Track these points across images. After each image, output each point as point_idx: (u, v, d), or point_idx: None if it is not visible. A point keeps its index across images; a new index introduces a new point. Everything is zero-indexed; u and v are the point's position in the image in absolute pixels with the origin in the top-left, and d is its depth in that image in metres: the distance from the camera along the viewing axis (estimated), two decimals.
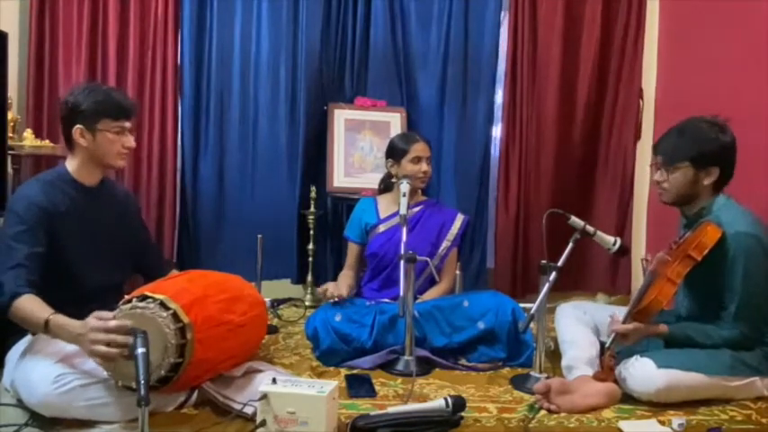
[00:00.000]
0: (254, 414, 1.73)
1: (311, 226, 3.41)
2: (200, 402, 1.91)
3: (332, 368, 2.35)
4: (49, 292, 1.85)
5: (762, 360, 2.08)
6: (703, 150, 2.11)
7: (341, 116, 3.49)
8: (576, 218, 2.34)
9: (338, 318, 2.45)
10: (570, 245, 2.27)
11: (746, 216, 2.11)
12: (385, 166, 2.86)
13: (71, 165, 2.06)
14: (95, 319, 1.68)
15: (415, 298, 2.49)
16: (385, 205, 2.85)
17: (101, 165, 2.08)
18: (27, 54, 3.20)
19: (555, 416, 1.96)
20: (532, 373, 2.25)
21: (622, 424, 1.89)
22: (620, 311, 2.21)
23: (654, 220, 3.53)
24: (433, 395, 2.11)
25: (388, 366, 2.35)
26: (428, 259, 2.61)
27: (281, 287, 3.48)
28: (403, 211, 2.43)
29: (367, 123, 3.51)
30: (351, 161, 3.48)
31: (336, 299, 2.52)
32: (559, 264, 2.20)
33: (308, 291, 3.45)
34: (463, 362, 2.46)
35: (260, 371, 1.99)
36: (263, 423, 1.69)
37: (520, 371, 2.37)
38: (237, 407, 1.83)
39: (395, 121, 3.50)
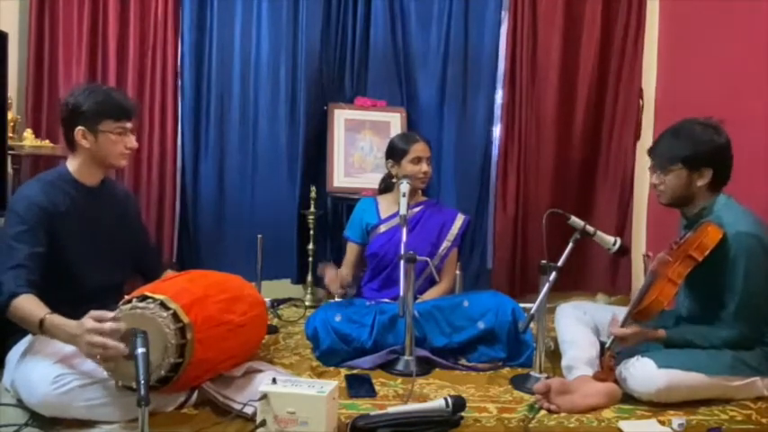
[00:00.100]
0: (254, 414, 1.73)
1: (311, 226, 3.41)
2: (201, 402, 1.91)
3: (332, 368, 2.35)
4: (49, 292, 1.85)
5: (762, 360, 2.08)
6: (695, 152, 2.11)
7: (341, 116, 3.49)
8: (575, 218, 2.34)
9: (338, 318, 2.45)
10: (570, 245, 2.27)
11: (747, 216, 2.10)
12: (385, 166, 2.86)
13: (72, 165, 2.06)
14: (91, 319, 1.68)
15: (415, 298, 2.49)
16: (386, 205, 2.85)
17: (103, 165, 2.08)
18: (26, 54, 3.20)
19: (555, 416, 1.95)
20: (532, 373, 2.25)
21: (622, 424, 1.89)
22: (621, 311, 2.21)
23: (654, 220, 3.53)
24: (433, 395, 2.11)
25: (388, 366, 2.35)
26: (428, 259, 2.61)
27: (281, 287, 3.48)
28: (403, 211, 2.43)
29: (367, 123, 3.51)
30: (351, 161, 3.48)
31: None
32: (559, 264, 2.20)
33: (308, 291, 3.46)
34: (463, 362, 2.46)
35: (260, 371, 1.99)
36: (263, 423, 1.69)
37: (520, 371, 2.37)
38: (237, 407, 1.83)
39: (395, 121, 3.51)
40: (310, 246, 3.42)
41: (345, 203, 3.42)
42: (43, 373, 1.77)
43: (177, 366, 1.75)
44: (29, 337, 1.95)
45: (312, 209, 3.38)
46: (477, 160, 3.56)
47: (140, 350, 1.54)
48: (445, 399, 1.84)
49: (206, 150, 3.49)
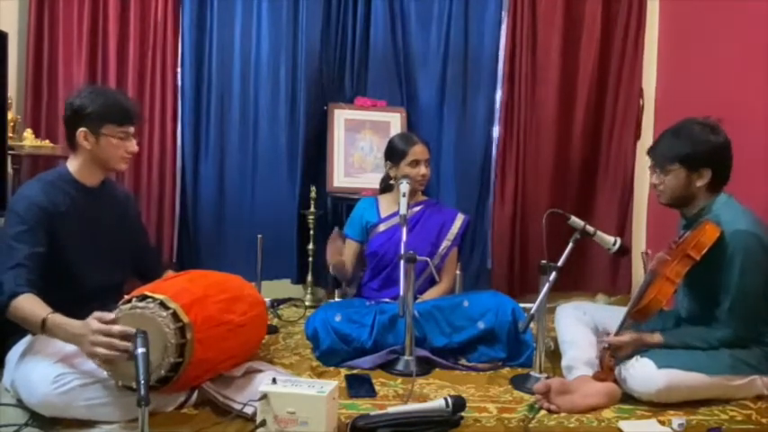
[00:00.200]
0: (254, 414, 1.73)
1: (311, 226, 3.41)
2: (201, 402, 1.91)
3: (332, 368, 2.35)
4: (49, 292, 1.85)
5: (762, 359, 2.08)
6: (694, 152, 2.11)
7: (341, 116, 3.49)
8: (575, 218, 2.34)
9: (338, 318, 2.45)
10: (570, 245, 2.27)
11: (746, 215, 2.10)
12: (384, 166, 2.86)
13: (72, 165, 2.07)
14: (97, 320, 1.68)
15: (415, 298, 2.49)
16: (386, 205, 2.85)
17: (103, 167, 2.09)
18: (26, 54, 3.20)
19: (555, 416, 1.95)
20: (532, 373, 2.25)
21: (622, 424, 1.89)
22: (621, 311, 2.21)
23: (654, 220, 3.53)
24: (433, 395, 2.11)
25: (388, 366, 2.35)
26: (428, 259, 2.61)
27: (281, 287, 3.48)
28: (403, 210, 2.43)
29: (367, 123, 3.51)
30: (351, 161, 3.48)
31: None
32: (559, 264, 2.20)
33: (308, 291, 3.45)
34: (463, 362, 2.46)
35: (260, 371, 1.99)
36: (263, 423, 1.69)
37: (520, 371, 2.37)
38: (237, 407, 1.83)
39: (395, 121, 3.51)
40: (310, 246, 3.42)
41: (345, 203, 3.42)
42: (43, 372, 1.77)
43: (177, 366, 1.75)
44: (29, 337, 1.95)
45: (312, 209, 3.38)
46: (476, 160, 3.56)
47: (140, 350, 1.54)
48: (445, 399, 1.84)
49: (206, 150, 3.49)
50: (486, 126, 3.56)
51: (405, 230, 2.39)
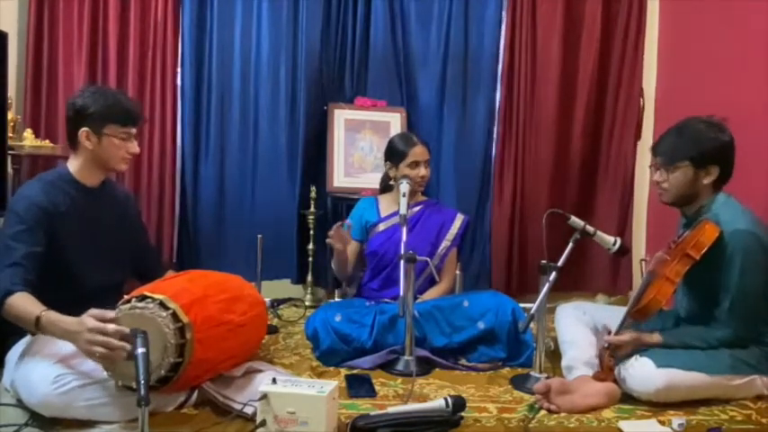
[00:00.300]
0: (254, 414, 1.73)
1: (311, 226, 3.41)
2: (201, 402, 1.91)
3: (332, 368, 2.35)
4: (49, 292, 1.85)
5: (761, 359, 2.08)
6: (703, 149, 2.11)
7: (341, 116, 3.49)
8: (575, 218, 2.34)
9: (338, 318, 2.45)
10: (570, 245, 2.27)
11: (746, 214, 2.10)
12: (384, 167, 2.86)
13: (73, 165, 2.07)
14: (93, 318, 1.68)
15: (415, 298, 2.49)
16: (386, 204, 2.85)
17: (103, 167, 2.09)
18: (26, 54, 3.20)
19: (555, 416, 1.95)
20: (532, 373, 2.25)
21: (622, 424, 1.89)
22: (621, 312, 2.21)
23: (654, 220, 3.53)
24: (433, 395, 2.11)
25: (388, 366, 2.34)
26: (428, 259, 2.61)
27: (281, 287, 3.48)
28: (403, 210, 2.43)
29: (367, 123, 3.51)
30: (351, 161, 3.48)
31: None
32: (559, 264, 2.20)
33: (308, 291, 3.45)
34: (463, 362, 2.45)
35: (260, 371, 1.99)
36: (263, 423, 1.69)
37: (520, 371, 2.37)
38: (237, 407, 1.83)
39: (395, 121, 3.51)
40: (310, 246, 3.42)
41: (345, 203, 3.42)
42: (43, 373, 1.77)
43: (177, 366, 1.75)
44: (28, 337, 1.95)
45: (312, 209, 3.38)
46: (476, 160, 3.56)
47: (140, 350, 1.54)
48: (445, 399, 1.84)
49: (206, 150, 3.49)
50: (486, 126, 3.56)
51: (404, 230, 2.39)
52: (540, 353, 2.23)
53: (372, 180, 3.24)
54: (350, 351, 2.39)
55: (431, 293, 2.71)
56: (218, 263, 3.34)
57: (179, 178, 3.48)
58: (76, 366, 1.80)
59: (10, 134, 2.85)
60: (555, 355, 2.32)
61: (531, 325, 2.19)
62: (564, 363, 2.22)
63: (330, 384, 1.74)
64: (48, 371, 1.77)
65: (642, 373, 2.00)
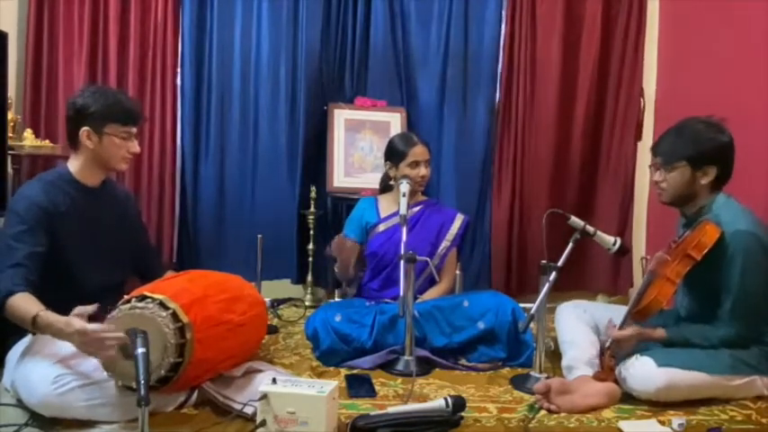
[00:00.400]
0: (254, 414, 1.73)
1: (311, 226, 3.41)
2: (201, 402, 1.91)
3: (332, 368, 2.35)
4: (49, 293, 1.85)
5: (761, 359, 2.08)
6: (700, 150, 2.11)
7: (341, 116, 3.49)
8: (575, 218, 2.34)
9: (338, 318, 2.45)
10: (570, 245, 2.27)
11: (746, 215, 2.10)
12: (384, 167, 2.86)
13: (73, 165, 2.07)
14: (77, 318, 1.69)
15: (415, 298, 2.49)
16: (386, 205, 2.85)
17: (104, 167, 2.09)
18: (25, 54, 3.20)
19: (555, 416, 1.95)
20: (532, 373, 2.25)
21: (622, 424, 1.89)
22: (621, 311, 2.21)
23: (654, 220, 3.53)
24: (433, 395, 2.11)
25: (388, 366, 2.34)
26: (428, 259, 2.61)
27: (281, 287, 3.48)
28: (403, 210, 2.43)
29: (367, 123, 3.51)
30: (351, 161, 3.48)
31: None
32: (559, 264, 2.20)
33: (308, 291, 3.45)
34: (463, 362, 2.45)
35: (260, 371, 1.99)
36: (263, 423, 1.69)
37: (520, 371, 2.37)
38: (237, 407, 1.83)
39: (395, 121, 3.50)
40: (310, 246, 3.42)
41: (345, 203, 3.42)
42: (43, 373, 1.77)
43: (177, 366, 1.75)
44: (28, 337, 1.95)
45: (312, 209, 3.38)
46: (476, 160, 3.56)
47: (140, 350, 1.55)
48: (445, 399, 1.84)
49: (206, 150, 3.49)
50: (485, 126, 3.56)
51: (404, 230, 2.39)
52: (540, 353, 2.23)
53: (372, 180, 3.24)
54: (350, 351, 2.39)
55: (431, 293, 2.71)
56: (218, 263, 3.33)
57: (179, 178, 3.48)
58: (76, 367, 1.80)
59: (10, 134, 2.85)
60: (555, 355, 2.32)
61: (531, 325, 2.19)
62: (564, 363, 2.22)
63: (330, 384, 1.74)
64: (48, 371, 1.77)
65: (643, 372, 2.00)
